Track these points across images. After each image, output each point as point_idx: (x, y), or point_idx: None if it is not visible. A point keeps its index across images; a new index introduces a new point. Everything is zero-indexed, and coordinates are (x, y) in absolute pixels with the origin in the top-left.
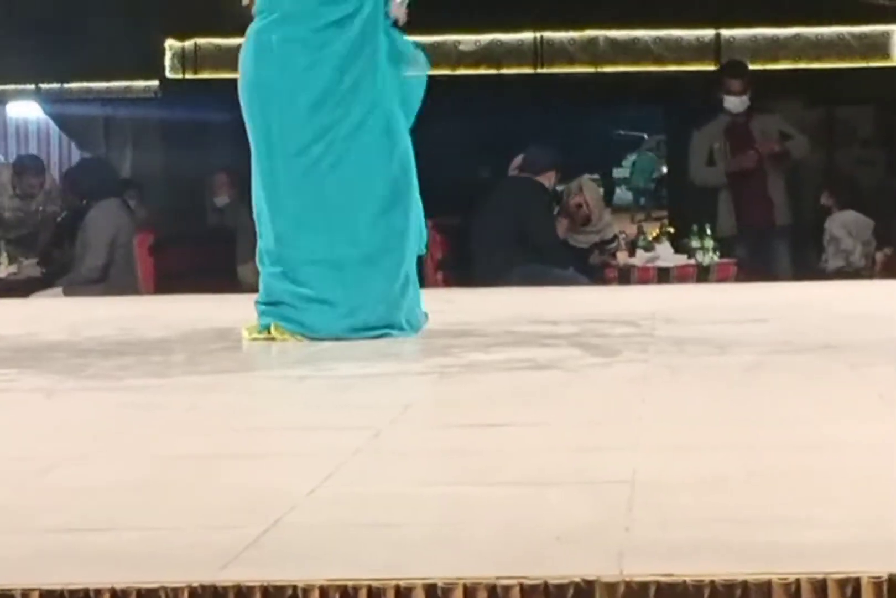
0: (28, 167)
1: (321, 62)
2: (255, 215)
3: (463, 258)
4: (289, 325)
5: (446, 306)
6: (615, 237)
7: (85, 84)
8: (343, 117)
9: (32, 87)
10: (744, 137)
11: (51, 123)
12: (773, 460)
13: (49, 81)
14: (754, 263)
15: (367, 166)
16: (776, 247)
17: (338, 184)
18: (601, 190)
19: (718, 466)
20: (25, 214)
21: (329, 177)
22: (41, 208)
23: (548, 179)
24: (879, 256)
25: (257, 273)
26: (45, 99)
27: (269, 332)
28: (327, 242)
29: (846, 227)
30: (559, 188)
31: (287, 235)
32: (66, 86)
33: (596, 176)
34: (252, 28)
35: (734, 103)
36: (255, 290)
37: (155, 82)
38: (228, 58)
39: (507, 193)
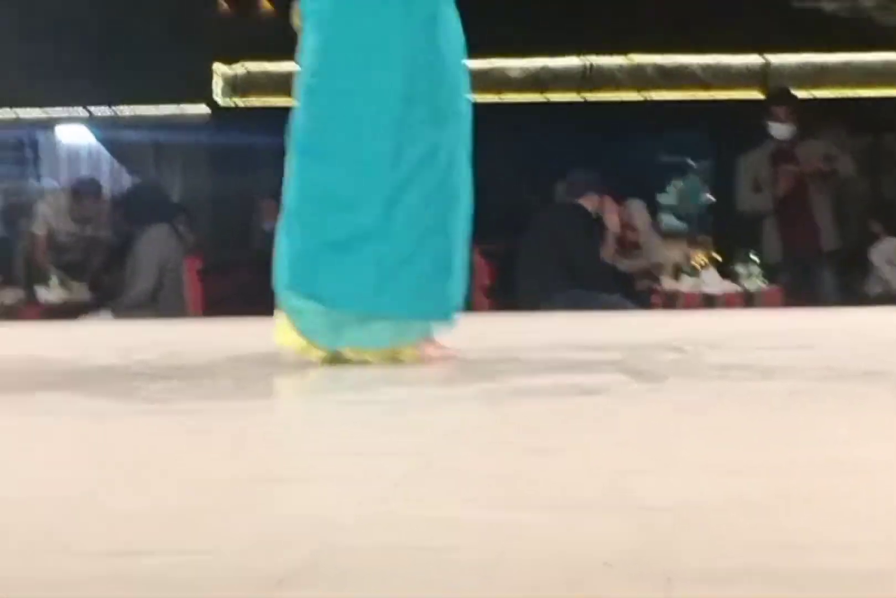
0: (87, 191)
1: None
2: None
3: (509, 284)
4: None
5: (491, 330)
6: (660, 264)
7: (135, 109)
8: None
9: (84, 111)
10: (790, 164)
11: (101, 147)
12: (818, 483)
13: (100, 106)
14: (800, 290)
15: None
16: (822, 273)
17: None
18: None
19: (763, 490)
20: (79, 239)
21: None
22: (94, 233)
23: (590, 202)
24: None
25: None
26: (96, 124)
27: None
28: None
29: (886, 256)
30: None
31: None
32: (117, 111)
33: (642, 201)
34: None
35: (780, 131)
36: None
37: (205, 108)
38: (278, 83)
39: (550, 219)
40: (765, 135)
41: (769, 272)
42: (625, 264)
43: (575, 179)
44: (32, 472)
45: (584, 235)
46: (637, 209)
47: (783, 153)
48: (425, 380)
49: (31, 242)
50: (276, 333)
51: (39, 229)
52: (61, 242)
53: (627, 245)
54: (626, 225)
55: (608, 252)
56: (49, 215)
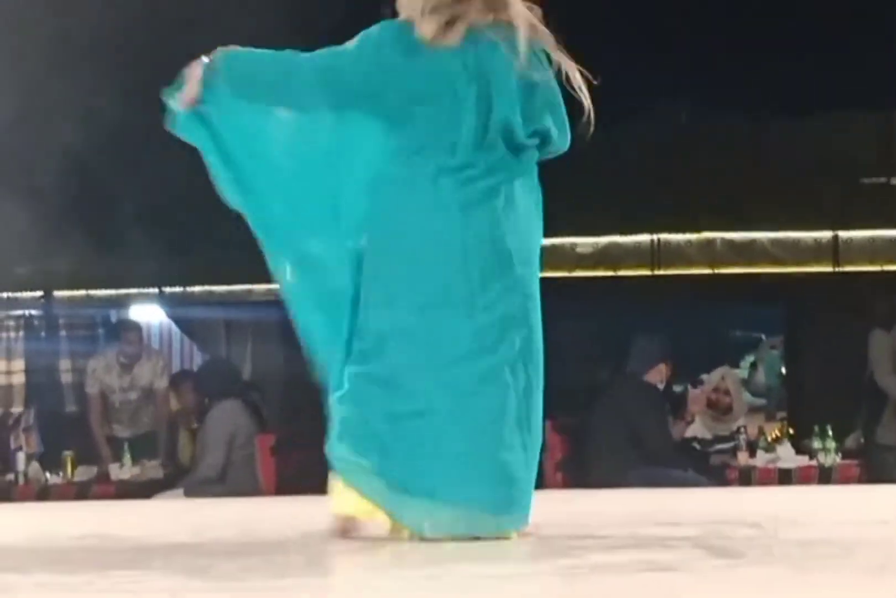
0: (127, 327)
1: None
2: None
3: (582, 459)
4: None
5: (566, 506)
6: (740, 429)
7: (207, 287)
8: None
9: (155, 290)
10: None
11: (172, 325)
12: None
13: (171, 285)
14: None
15: None
16: None
17: None
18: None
19: None
20: (136, 393)
21: None
22: (152, 385)
23: (658, 374)
24: None
25: None
26: (168, 302)
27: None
28: None
29: None
30: (677, 388)
31: None
32: (189, 289)
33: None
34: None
35: None
36: None
37: (276, 286)
38: None
39: (618, 394)
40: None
41: (884, 453)
42: (717, 428)
43: (640, 350)
44: None
45: (652, 413)
46: (730, 374)
47: None
48: (501, 556)
49: (86, 404)
50: (334, 501)
51: (92, 387)
52: (118, 407)
53: (720, 409)
54: (719, 389)
55: (681, 428)
56: (99, 370)
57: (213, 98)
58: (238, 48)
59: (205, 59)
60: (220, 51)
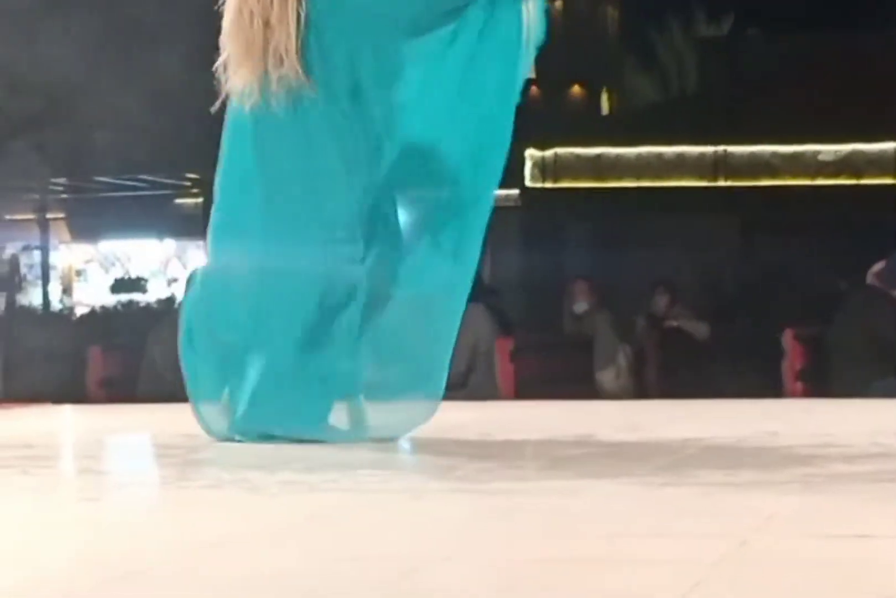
0: None
1: None
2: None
3: (822, 369)
4: None
5: (806, 415)
6: None
7: None
8: None
9: None
10: None
11: None
12: None
13: None
14: None
15: None
16: None
17: None
18: None
19: None
20: None
21: None
22: None
23: None
24: None
25: (616, 380)
26: None
27: None
28: None
29: None
30: None
31: None
32: None
33: None
34: None
35: None
36: (613, 396)
37: (515, 191)
38: (588, 167)
39: (860, 306)
40: None
41: None
42: None
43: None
44: (355, 547)
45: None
46: None
47: None
48: (740, 464)
49: None
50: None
51: None
52: None
53: None
54: None
55: None
56: None
57: None
58: None
59: None
60: None
